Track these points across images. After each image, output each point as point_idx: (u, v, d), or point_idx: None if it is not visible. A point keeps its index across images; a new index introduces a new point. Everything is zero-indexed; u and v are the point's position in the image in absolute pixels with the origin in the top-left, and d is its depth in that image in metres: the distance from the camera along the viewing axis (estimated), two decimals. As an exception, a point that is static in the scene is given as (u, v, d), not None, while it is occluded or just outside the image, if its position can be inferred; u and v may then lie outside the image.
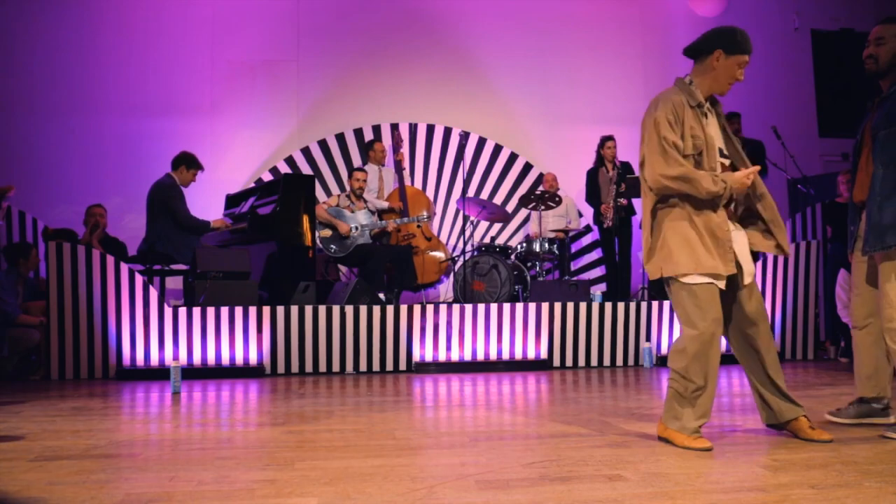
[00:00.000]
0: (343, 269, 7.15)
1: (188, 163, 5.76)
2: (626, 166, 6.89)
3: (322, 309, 5.20)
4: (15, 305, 5.06)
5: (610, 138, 6.89)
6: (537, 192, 6.59)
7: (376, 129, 7.74)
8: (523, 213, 7.64)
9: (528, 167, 7.89)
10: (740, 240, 2.77)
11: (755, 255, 3.02)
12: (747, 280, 2.76)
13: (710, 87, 2.73)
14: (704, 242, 2.65)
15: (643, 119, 2.74)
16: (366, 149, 7.21)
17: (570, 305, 5.50)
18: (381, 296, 5.87)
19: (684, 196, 2.66)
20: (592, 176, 6.98)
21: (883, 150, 2.75)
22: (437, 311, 5.35)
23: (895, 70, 2.83)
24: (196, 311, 5.05)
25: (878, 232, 2.73)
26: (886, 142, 2.74)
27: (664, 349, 5.58)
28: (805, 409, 2.87)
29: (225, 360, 5.06)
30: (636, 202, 7.04)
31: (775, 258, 5.84)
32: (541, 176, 7.69)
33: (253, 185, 7.17)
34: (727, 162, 2.77)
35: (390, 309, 5.29)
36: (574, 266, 7.79)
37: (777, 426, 2.87)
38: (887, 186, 2.72)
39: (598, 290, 6.31)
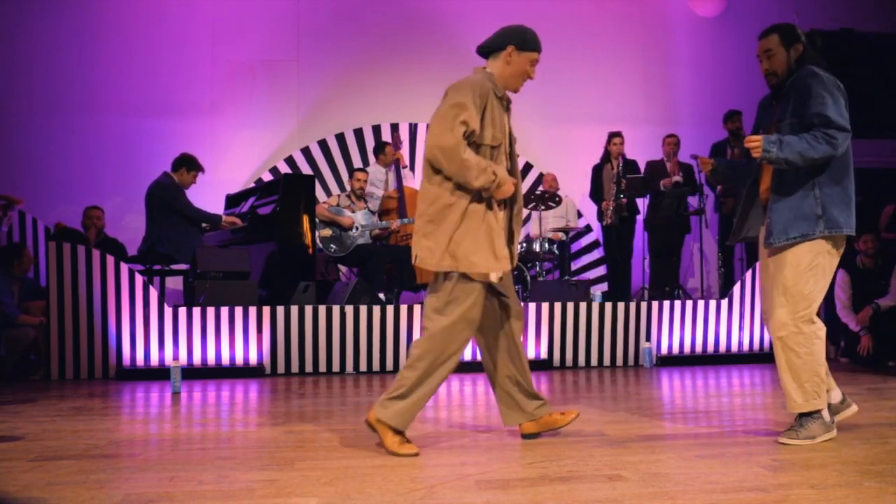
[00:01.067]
0: (343, 269, 7.15)
1: (189, 164, 5.76)
2: (630, 163, 6.89)
3: (322, 309, 5.20)
4: (13, 306, 5.06)
5: (617, 134, 6.89)
6: (537, 192, 6.58)
7: (376, 129, 7.74)
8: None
9: (528, 167, 7.88)
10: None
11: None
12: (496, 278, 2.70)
13: (506, 82, 2.75)
14: (489, 240, 2.58)
15: (446, 92, 2.64)
16: (376, 151, 7.19)
17: (570, 305, 5.50)
18: (381, 296, 5.87)
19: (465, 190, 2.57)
20: (598, 172, 6.99)
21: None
22: (437, 311, 5.33)
23: (791, 73, 2.83)
24: (196, 311, 5.05)
25: (781, 226, 2.70)
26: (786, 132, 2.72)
27: (664, 349, 5.57)
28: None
29: (225, 360, 5.06)
30: (637, 202, 7.05)
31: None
32: (541, 176, 7.69)
33: (253, 185, 7.17)
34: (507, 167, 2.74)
35: (390, 309, 5.29)
36: (574, 266, 7.78)
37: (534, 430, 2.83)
38: (787, 180, 2.71)
39: (598, 290, 6.31)
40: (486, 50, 2.80)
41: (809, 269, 2.68)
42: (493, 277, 2.58)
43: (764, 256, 2.90)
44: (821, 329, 2.75)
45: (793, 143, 2.62)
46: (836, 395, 2.90)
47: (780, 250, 2.72)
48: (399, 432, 2.62)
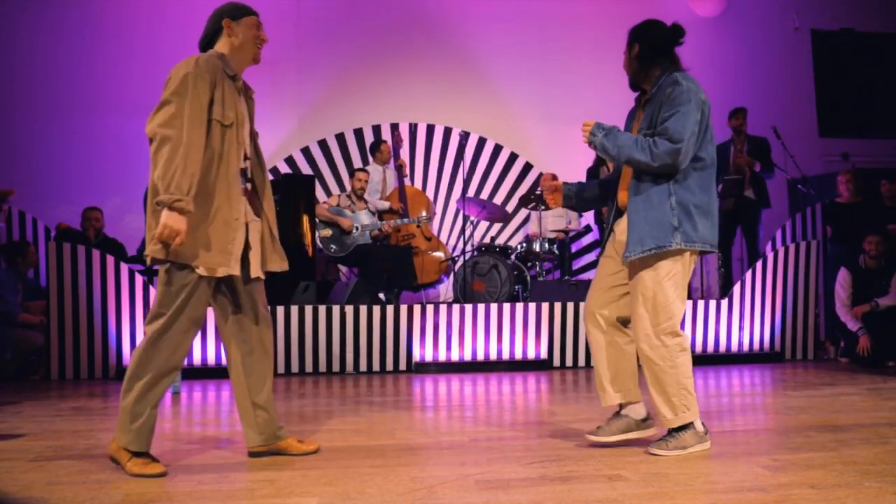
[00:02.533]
0: (343, 269, 7.15)
1: None
2: None
3: (322, 309, 5.20)
4: (16, 304, 5.07)
5: None
6: (537, 192, 6.58)
7: (376, 129, 7.74)
8: (523, 213, 7.63)
9: (528, 167, 7.89)
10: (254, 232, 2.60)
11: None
12: (254, 274, 2.59)
13: (242, 58, 2.60)
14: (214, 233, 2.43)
15: (171, 73, 2.43)
16: (372, 149, 7.20)
17: (570, 305, 5.50)
18: (381, 296, 5.87)
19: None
20: (593, 174, 6.98)
21: None
22: (437, 311, 5.35)
23: (648, 73, 2.70)
24: (196, 311, 5.05)
25: (637, 237, 2.58)
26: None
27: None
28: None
29: (225, 360, 5.05)
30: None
31: (775, 257, 5.83)
32: (540, 176, 7.69)
33: (253, 185, 7.15)
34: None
35: (390, 309, 5.29)
36: (574, 266, 7.78)
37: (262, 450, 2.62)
38: (643, 190, 2.60)
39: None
40: (207, 39, 2.67)
41: (668, 278, 2.57)
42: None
43: (610, 253, 2.80)
44: (685, 340, 2.64)
45: (620, 137, 2.56)
46: (640, 412, 2.78)
47: (637, 261, 2.60)
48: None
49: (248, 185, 2.61)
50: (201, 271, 2.43)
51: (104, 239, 6.12)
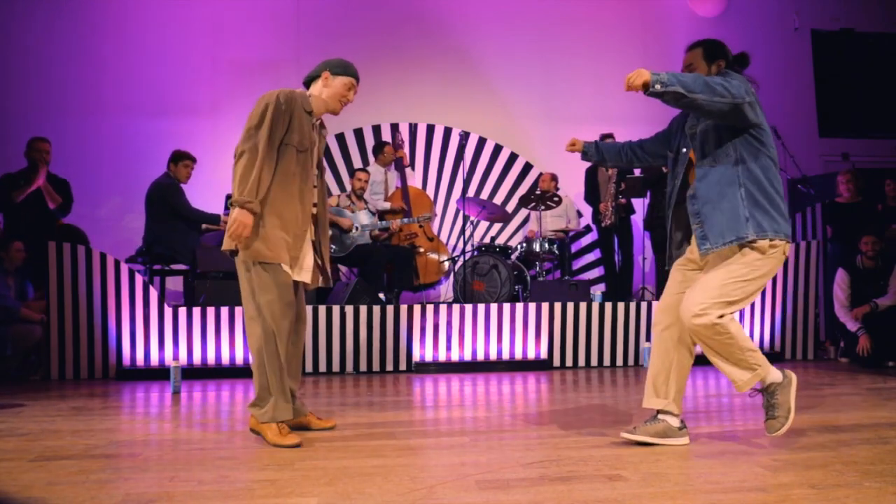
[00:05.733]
0: (343, 269, 7.15)
1: (175, 158, 5.78)
2: None
3: (322, 309, 5.20)
4: (13, 299, 5.05)
5: (610, 136, 6.89)
6: (537, 192, 6.59)
7: (376, 129, 7.74)
8: (523, 212, 7.64)
9: (528, 167, 7.89)
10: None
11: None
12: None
13: (324, 104, 2.98)
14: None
15: (258, 101, 2.90)
16: (375, 151, 7.20)
17: (570, 305, 5.50)
18: (381, 296, 5.87)
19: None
20: (591, 174, 6.98)
21: (704, 145, 2.67)
22: (437, 311, 5.35)
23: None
24: (196, 311, 5.06)
25: (717, 231, 2.61)
26: (705, 137, 2.68)
27: (664, 349, 5.57)
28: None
29: (225, 360, 5.06)
30: (636, 202, 7.04)
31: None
32: (540, 175, 7.69)
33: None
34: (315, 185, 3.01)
35: (390, 309, 5.29)
36: (574, 266, 7.78)
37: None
38: (712, 186, 2.64)
39: (598, 290, 6.31)
40: (308, 80, 3.08)
41: (743, 271, 2.57)
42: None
43: (681, 263, 2.82)
44: (734, 320, 2.63)
45: (681, 75, 2.50)
46: (676, 421, 2.78)
47: (715, 255, 2.63)
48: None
49: (315, 209, 3.02)
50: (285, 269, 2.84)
51: (54, 180, 5.84)
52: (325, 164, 3.12)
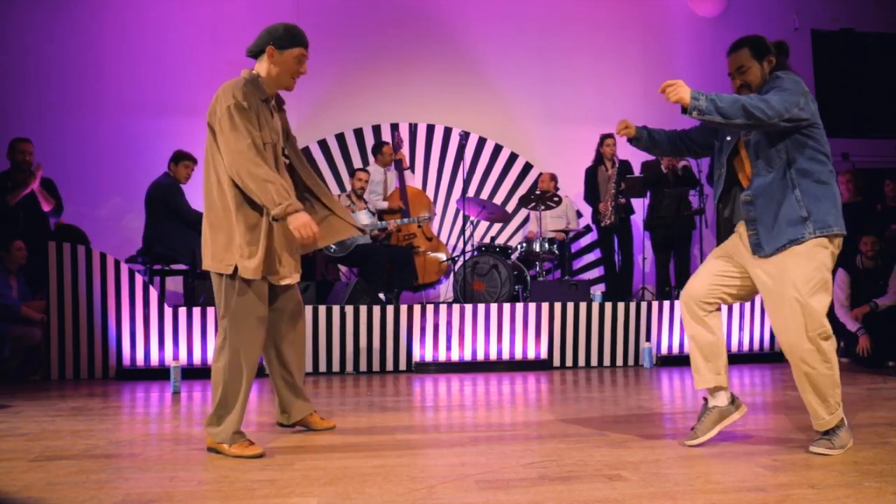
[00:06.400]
0: (343, 269, 7.15)
1: (175, 159, 5.79)
2: (626, 165, 6.89)
3: (322, 309, 5.20)
4: (14, 298, 5.05)
5: (609, 136, 6.89)
6: (537, 193, 6.59)
7: (376, 129, 7.74)
8: (523, 212, 7.63)
9: (528, 167, 7.88)
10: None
11: None
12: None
13: (276, 83, 2.80)
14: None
15: (212, 107, 2.72)
16: (375, 150, 7.19)
17: (570, 305, 5.50)
18: (381, 296, 5.87)
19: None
20: (591, 174, 6.98)
21: (758, 151, 2.66)
22: (437, 311, 5.35)
23: (765, 84, 2.70)
24: (196, 311, 5.05)
25: (770, 235, 2.61)
26: (758, 145, 2.66)
27: (664, 349, 5.58)
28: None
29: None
30: (636, 201, 7.04)
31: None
32: (540, 175, 7.69)
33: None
34: (287, 161, 2.89)
35: (390, 309, 5.29)
36: (574, 266, 7.78)
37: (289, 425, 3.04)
38: (766, 187, 2.64)
39: (598, 290, 6.31)
40: (252, 53, 2.89)
41: (813, 275, 2.59)
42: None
43: (725, 252, 2.82)
44: (834, 341, 2.68)
45: (724, 96, 2.48)
46: (725, 398, 2.80)
47: (775, 259, 2.62)
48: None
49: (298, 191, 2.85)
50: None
51: (47, 182, 5.85)
52: (294, 136, 3.00)
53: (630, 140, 2.94)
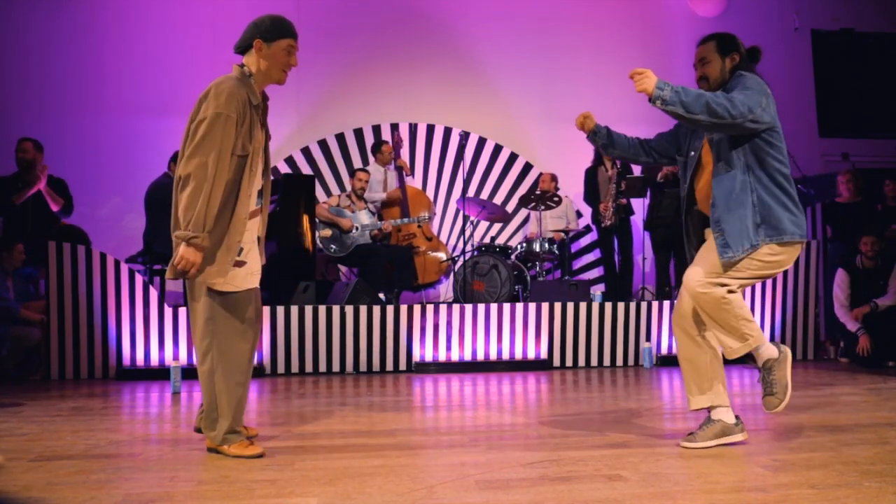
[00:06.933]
0: (343, 269, 7.15)
1: (174, 159, 5.79)
2: (626, 165, 6.89)
3: (322, 309, 5.20)
4: (13, 300, 5.05)
5: None
6: (537, 193, 6.59)
7: (376, 129, 7.74)
8: (523, 212, 7.63)
9: (528, 167, 7.88)
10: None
11: None
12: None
13: (266, 77, 2.65)
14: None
15: (201, 105, 2.54)
16: (374, 150, 7.20)
17: (570, 305, 5.50)
18: (381, 296, 5.87)
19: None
20: (591, 175, 6.98)
21: (720, 152, 2.66)
22: (437, 311, 5.35)
23: (724, 82, 2.72)
24: (196, 311, 5.05)
25: (731, 240, 2.60)
26: (720, 144, 2.66)
27: (664, 349, 5.58)
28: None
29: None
30: (636, 202, 7.04)
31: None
32: (540, 175, 7.69)
33: (253, 184, 7.14)
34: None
35: (390, 309, 5.29)
36: (574, 266, 7.78)
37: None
38: (725, 193, 2.64)
39: (598, 290, 6.31)
40: (240, 49, 2.73)
41: (756, 269, 2.60)
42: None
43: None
44: (735, 294, 2.65)
45: (689, 90, 2.50)
46: (730, 416, 2.77)
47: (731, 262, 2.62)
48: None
49: (260, 205, 2.69)
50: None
51: (50, 179, 5.78)
52: (269, 134, 2.77)
53: (588, 135, 2.94)
